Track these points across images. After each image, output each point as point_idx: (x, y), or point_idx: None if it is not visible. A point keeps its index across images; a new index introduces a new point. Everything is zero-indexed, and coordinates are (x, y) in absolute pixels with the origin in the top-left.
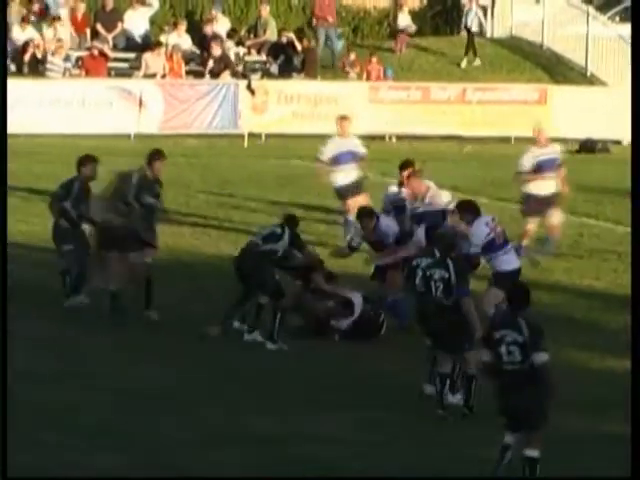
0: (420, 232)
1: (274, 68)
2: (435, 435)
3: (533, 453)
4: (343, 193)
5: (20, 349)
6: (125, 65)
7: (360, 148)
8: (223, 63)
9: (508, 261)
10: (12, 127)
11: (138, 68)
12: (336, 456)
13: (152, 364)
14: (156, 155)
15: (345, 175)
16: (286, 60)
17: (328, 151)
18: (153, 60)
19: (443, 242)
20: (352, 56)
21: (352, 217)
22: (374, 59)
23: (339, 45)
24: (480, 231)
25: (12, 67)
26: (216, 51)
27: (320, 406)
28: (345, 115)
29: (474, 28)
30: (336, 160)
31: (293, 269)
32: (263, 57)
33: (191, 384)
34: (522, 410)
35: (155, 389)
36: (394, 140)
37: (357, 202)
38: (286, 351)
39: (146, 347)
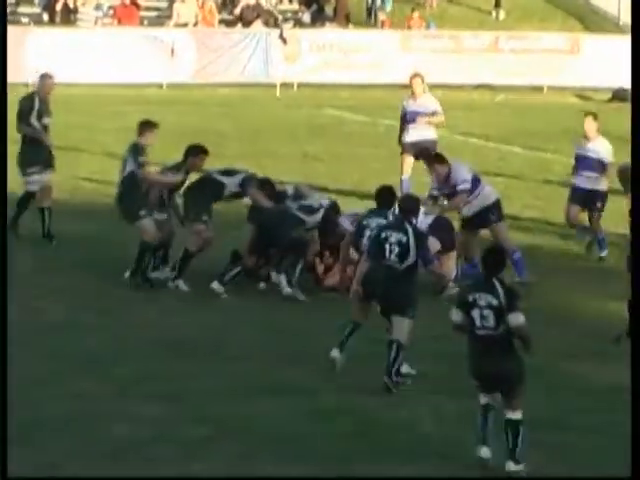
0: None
1: (306, 17)
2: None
3: (514, 415)
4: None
5: (57, 300)
6: (157, 14)
7: (428, 106)
8: (256, 12)
9: (490, 192)
10: None
11: (170, 17)
12: (370, 406)
13: (188, 316)
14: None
15: (409, 134)
16: (318, 9)
17: (403, 108)
18: (185, 9)
19: (407, 206)
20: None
21: (406, 175)
22: (415, 14)
23: (388, 2)
24: (463, 168)
25: (44, 16)
26: None
27: (353, 358)
28: (416, 72)
29: None
30: (404, 118)
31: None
32: (295, 6)
33: (226, 336)
34: (494, 376)
35: (188, 340)
36: (426, 89)
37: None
38: (321, 305)
39: (183, 299)
